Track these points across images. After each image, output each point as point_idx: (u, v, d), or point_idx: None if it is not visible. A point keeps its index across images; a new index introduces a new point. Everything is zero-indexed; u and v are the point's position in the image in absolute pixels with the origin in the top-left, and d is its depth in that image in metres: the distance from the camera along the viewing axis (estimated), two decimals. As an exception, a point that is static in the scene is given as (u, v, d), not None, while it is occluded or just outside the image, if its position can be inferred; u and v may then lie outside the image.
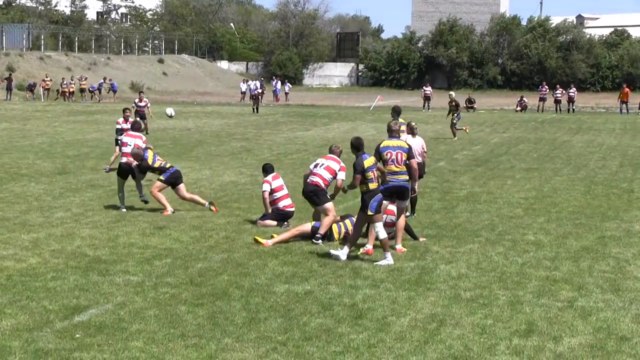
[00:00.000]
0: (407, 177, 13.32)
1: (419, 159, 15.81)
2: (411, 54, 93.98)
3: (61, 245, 13.30)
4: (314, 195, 14.25)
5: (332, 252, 12.74)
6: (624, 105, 52.84)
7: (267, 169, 15.76)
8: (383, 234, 12.54)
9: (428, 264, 12.37)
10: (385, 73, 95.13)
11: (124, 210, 16.51)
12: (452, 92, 37.84)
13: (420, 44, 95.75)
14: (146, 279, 11.30)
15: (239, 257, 12.63)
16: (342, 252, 12.63)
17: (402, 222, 13.48)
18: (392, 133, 13.57)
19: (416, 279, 11.50)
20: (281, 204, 15.24)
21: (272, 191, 15.31)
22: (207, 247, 13.28)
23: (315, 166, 14.59)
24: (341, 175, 14.47)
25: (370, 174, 12.65)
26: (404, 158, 13.22)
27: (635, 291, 11.00)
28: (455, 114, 33.71)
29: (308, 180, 14.41)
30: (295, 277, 11.51)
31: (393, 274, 11.74)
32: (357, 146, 12.94)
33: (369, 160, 12.74)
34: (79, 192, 18.75)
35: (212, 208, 16.42)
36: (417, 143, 16.23)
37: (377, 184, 12.80)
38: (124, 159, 17.20)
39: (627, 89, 54.58)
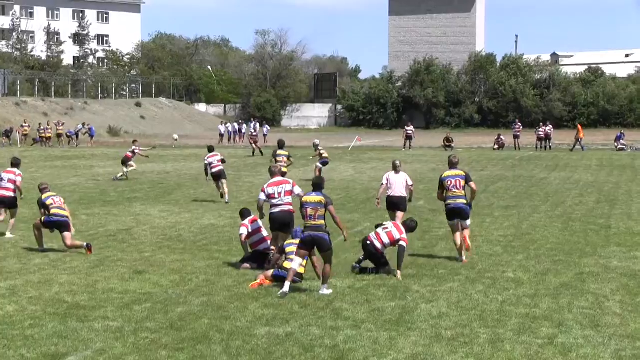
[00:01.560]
0: (465, 199, 15.69)
1: (403, 192, 17.55)
2: (389, 94, 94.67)
3: (39, 292, 13.20)
4: (291, 222, 14.90)
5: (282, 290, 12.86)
6: (579, 143, 53.49)
7: (244, 213, 15.88)
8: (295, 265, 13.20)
9: (409, 303, 12.37)
10: (364, 113, 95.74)
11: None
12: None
13: (399, 84, 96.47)
14: (126, 324, 11.22)
15: (220, 300, 12.58)
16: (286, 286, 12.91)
17: (458, 238, 15.66)
18: (452, 165, 16.00)
19: (397, 318, 11.50)
20: (261, 247, 15.24)
21: (250, 234, 15.35)
22: (187, 291, 13.22)
23: (273, 196, 14.87)
24: (297, 190, 14.92)
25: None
26: (462, 184, 15.62)
27: (614, 327, 11.04)
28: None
29: (279, 210, 14.82)
30: (276, 319, 11.47)
31: (374, 314, 11.73)
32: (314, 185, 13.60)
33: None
34: (56, 238, 18.55)
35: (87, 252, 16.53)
36: (400, 178, 17.59)
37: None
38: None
39: (579, 126, 55.57)
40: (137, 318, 11.54)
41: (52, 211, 16.98)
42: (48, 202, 17.08)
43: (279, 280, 13.60)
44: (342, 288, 13.31)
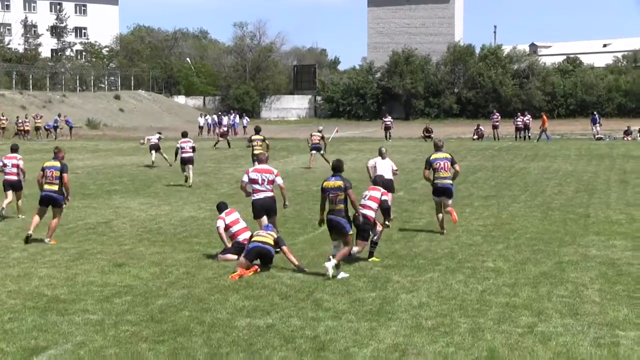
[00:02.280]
0: (451, 180, 17.50)
1: (390, 176, 18.84)
2: (368, 85, 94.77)
3: (18, 285, 13.13)
4: (274, 206, 15.52)
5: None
6: (544, 133, 53.62)
7: (220, 207, 15.99)
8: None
9: (389, 293, 12.40)
10: (343, 104, 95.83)
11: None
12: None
13: (378, 75, 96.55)
14: (106, 317, 11.18)
15: (200, 292, 12.56)
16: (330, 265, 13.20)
17: (441, 215, 17.54)
18: (438, 148, 17.69)
19: (377, 309, 11.52)
20: (241, 237, 15.23)
21: (227, 226, 15.36)
22: (167, 283, 13.19)
23: (256, 182, 15.42)
24: (279, 181, 15.64)
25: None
26: (449, 165, 17.46)
27: (593, 315, 11.12)
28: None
29: (263, 196, 15.41)
30: (256, 311, 11.47)
31: (355, 304, 11.75)
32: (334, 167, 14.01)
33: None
34: (36, 232, 18.50)
35: None
36: (386, 163, 19.22)
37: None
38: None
39: (544, 117, 55.74)
40: (117, 311, 11.50)
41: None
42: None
43: (253, 254, 13.93)
44: (322, 279, 13.31)
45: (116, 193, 26.04)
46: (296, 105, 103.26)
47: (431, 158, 17.70)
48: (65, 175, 17.08)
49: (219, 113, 76.97)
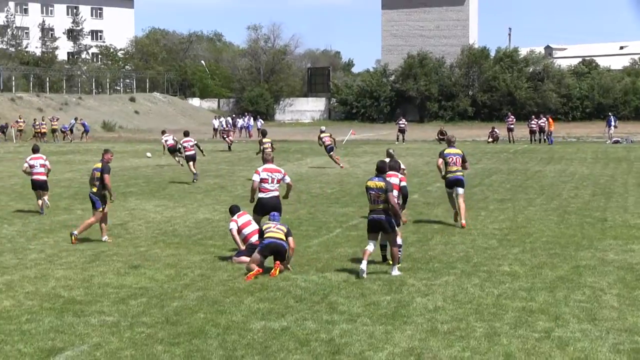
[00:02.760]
0: (462, 173, 19.18)
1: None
2: (382, 88, 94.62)
3: (35, 286, 13.18)
4: (279, 206, 15.72)
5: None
6: (549, 135, 53.59)
7: (232, 210, 16.04)
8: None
9: (404, 297, 12.36)
10: (357, 107, 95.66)
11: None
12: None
13: (392, 78, 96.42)
14: (122, 319, 11.20)
15: (215, 294, 12.57)
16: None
17: (455, 205, 19.18)
18: (451, 143, 19.58)
19: (393, 312, 11.49)
20: (253, 239, 15.22)
21: (239, 229, 15.37)
22: (183, 285, 13.20)
23: (267, 181, 15.75)
24: (287, 179, 16.17)
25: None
26: (460, 161, 19.16)
27: (611, 320, 11.04)
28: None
29: (270, 196, 15.67)
30: (271, 313, 11.46)
31: (369, 308, 11.72)
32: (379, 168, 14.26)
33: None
34: (52, 233, 18.61)
35: None
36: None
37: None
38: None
39: (550, 120, 55.50)
40: (132, 313, 11.52)
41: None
42: None
43: (267, 250, 13.98)
44: (337, 282, 13.30)
45: (131, 195, 26.09)
46: (310, 107, 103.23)
47: (445, 152, 19.33)
48: (105, 175, 17.29)
49: (233, 115, 77.06)
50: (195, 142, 31.29)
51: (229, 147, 49.81)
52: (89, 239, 17.58)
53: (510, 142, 54.80)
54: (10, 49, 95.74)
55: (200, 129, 76.81)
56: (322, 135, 35.89)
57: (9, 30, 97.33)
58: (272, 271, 13.83)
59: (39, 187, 22.00)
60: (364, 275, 13.49)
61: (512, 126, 56.25)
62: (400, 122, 57.46)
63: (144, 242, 17.42)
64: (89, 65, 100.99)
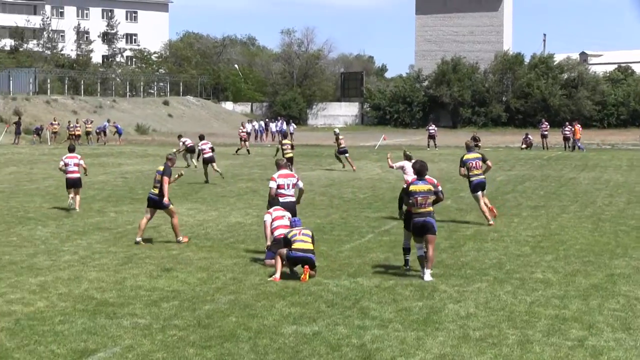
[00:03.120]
0: (484, 175, 20.38)
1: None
2: (415, 93, 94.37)
3: (68, 288, 13.28)
4: (295, 210, 16.15)
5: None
6: (576, 143, 53.17)
7: (271, 203, 16.11)
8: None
9: (436, 303, 12.31)
10: (390, 112, 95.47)
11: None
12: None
13: (425, 83, 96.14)
14: (154, 321, 11.26)
15: (247, 298, 12.59)
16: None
17: (483, 205, 20.27)
18: (470, 149, 21.01)
19: (424, 318, 11.44)
20: (276, 233, 15.17)
21: (272, 220, 15.41)
22: (215, 289, 13.24)
23: (283, 187, 16.07)
24: (301, 184, 16.53)
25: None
26: (480, 164, 20.39)
27: (645, 329, 10.92)
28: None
29: (288, 200, 16.01)
30: (303, 318, 11.46)
31: (401, 313, 11.69)
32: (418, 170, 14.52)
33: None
34: (85, 235, 18.76)
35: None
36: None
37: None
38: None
39: (577, 127, 55.04)
40: (165, 315, 11.57)
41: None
42: None
43: (295, 262, 13.97)
44: (369, 287, 13.28)
45: (164, 198, 26.15)
46: (343, 112, 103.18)
47: (464, 158, 20.54)
48: (165, 177, 17.68)
49: (266, 119, 77.23)
50: (212, 145, 32.59)
51: (247, 151, 50.06)
52: (120, 242, 17.68)
53: (544, 148, 54.45)
54: (46, 51, 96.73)
55: (233, 133, 77.08)
56: (339, 138, 37.10)
57: (45, 33, 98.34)
58: (302, 276, 13.84)
59: (72, 184, 23.14)
60: (428, 279, 13.74)
61: (546, 132, 55.90)
62: (430, 128, 57.29)
63: (177, 245, 17.50)
64: (123, 68, 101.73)
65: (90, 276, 14.20)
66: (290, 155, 32.88)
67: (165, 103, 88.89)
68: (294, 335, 10.58)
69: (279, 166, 16.66)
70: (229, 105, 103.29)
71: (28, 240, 18.07)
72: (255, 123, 71.59)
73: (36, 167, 39.16)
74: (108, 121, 65.88)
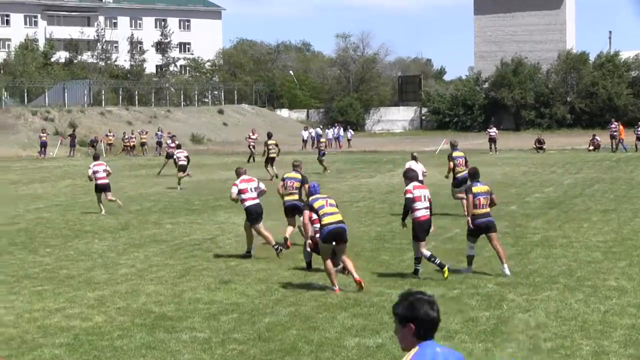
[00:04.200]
0: (466, 174, 19.47)
1: (421, 178, 19.85)
2: (476, 96, 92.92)
3: (126, 302, 13.10)
4: (262, 213, 17.20)
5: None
6: (621, 143, 51.84)
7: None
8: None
9: (504, 313, 11.87)
10: (450, 115, 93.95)
11: None
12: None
13: (486, 85, 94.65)
14: (213, 335, 11.00)
15: (307, 310, 12.27)
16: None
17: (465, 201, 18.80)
18: (454, 147, 23.65)
19: (492, 329, 11.03)
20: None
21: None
22: (274, 301, 12.94)
23: (245, 191, 17.08)
24: (262, 186, 17.60)
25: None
26: (465, 161, 22.81)
27: None
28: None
29: (254, 204, 17.06)
30: (365, 330, 11.11)
31: (468, 324, 11.27)
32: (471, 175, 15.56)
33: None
34: (142, 248, 18.61)
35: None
36: (419, 166, 22.50)
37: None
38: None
39: (621, 126, 53.70)
40: (224, 329, 11.31)
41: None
42: None
43: (332, 238, 13.44)
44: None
45: (220, 209, 25.96)
46: (401, 117, 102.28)
47: (453, 155, 23.05)
48: (305, 185, 17.72)
49: (321, 127, 76.90)
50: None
51: (252, 159, 49.67)
52: (177, 254, 17.48)
53: (612, 149, 53.08)
54: (100, 63, 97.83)
55: (289, 140, 76.99)
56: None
57: (99, 44, 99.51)
58: (357, 281, 13.43)
59: (103, 189, 25.00)
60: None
61: (615, 133, 54.29)
62: (491, 131, 56.44)
63: (234, 256, 17.23)
64: (177, 77, 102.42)
65: (148, 289, 13.99)
66: (274, 155, 35.09)
67: (220, 112, 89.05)
68: (357, 348, 10.25)
69: (238, 173, 17.53)
70: (284, 113, 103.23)
71: (85, 253, 17.97)
72: (312, 130, 71.26)
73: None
74: (159, 130, 65.82)
